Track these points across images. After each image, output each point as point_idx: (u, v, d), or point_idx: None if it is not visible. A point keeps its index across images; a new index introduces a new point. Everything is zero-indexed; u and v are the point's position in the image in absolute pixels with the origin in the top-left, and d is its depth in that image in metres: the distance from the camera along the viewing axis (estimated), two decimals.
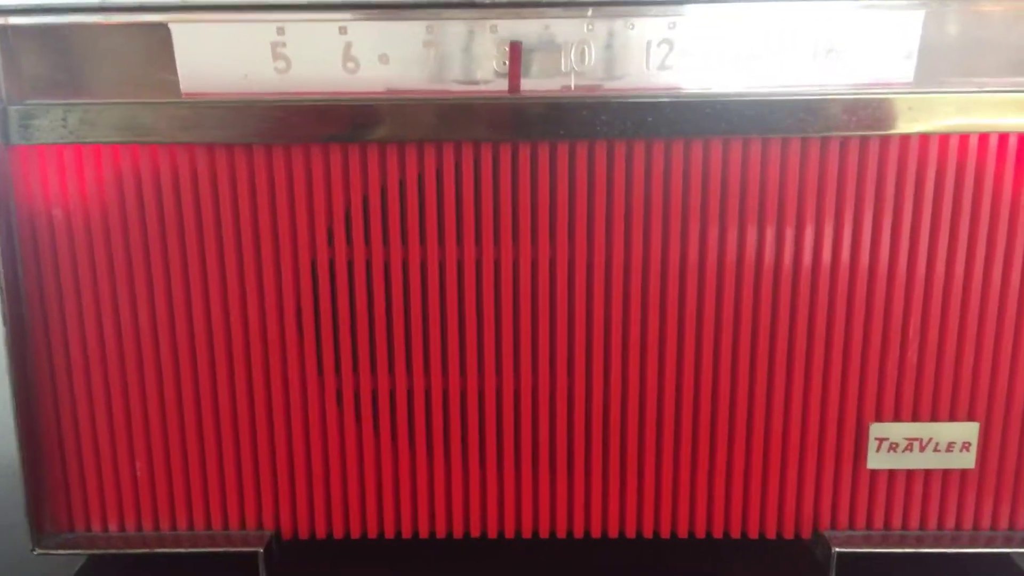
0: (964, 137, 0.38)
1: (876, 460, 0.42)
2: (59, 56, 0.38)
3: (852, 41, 0.37)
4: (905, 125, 0.37)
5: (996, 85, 0.38)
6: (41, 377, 0.41)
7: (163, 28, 0.38)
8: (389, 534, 0.44)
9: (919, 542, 0.42)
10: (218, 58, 0.38)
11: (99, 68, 0.38)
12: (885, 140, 0.38)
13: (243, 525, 0.43)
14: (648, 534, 0.44)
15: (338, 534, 0.44)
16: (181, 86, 0.38)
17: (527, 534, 0.44)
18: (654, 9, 0.37)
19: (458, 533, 0.44)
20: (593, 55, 0.38)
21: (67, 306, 0.40)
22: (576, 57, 0.38)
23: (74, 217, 0.39)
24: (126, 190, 0.39)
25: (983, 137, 0.38)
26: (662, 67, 0.38)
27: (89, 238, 0.40)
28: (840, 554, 0.41)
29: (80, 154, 0.39)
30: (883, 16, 0.37)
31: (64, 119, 0.38)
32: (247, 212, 0.39)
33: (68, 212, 0.39)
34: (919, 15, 0.37)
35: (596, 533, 0.44)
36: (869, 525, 0.43)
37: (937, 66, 0.38)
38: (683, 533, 0.44)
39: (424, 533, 0.44)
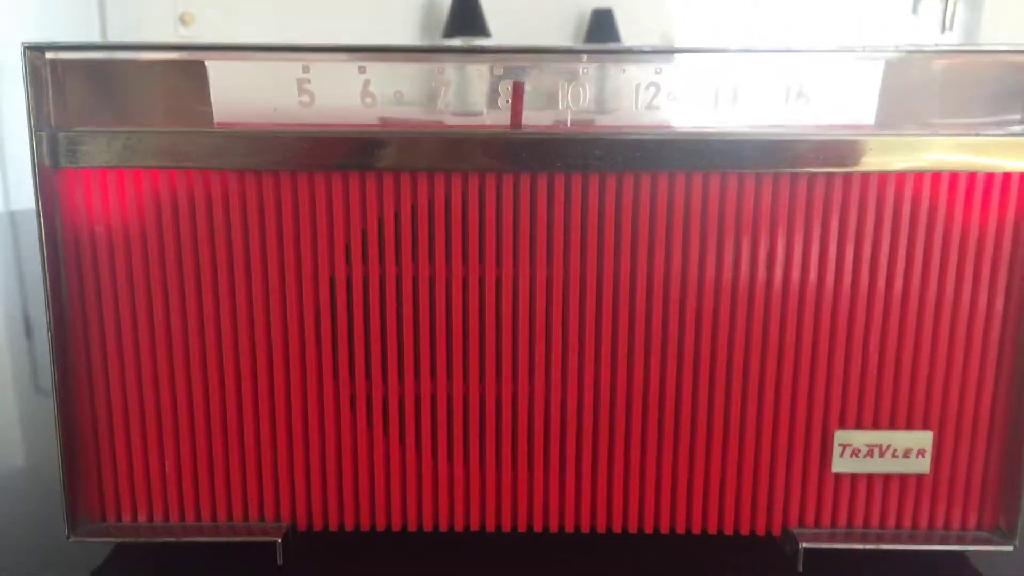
0: (919, 175, 0.42)
1: (840, 464, 0.45)
2: (105, 88, 0.42)
3: (820, 87, 0.41)
4: (867, 164, 0.41)
5: (947, 129, 0.42)
6: (80, 379, 0.44)
7: (200, 65, 0.42)
8: (396, 527, 0.47)
9: (879, 539, 0.46)
10: (249, 92, 0.42)
11: (142, 100, 0.42)
12: (848, 177, 0.42)
13: (262, 517, 0.46)
14: (633, 530, 0.47)
15: (349, 526, 0.47)
16: (215, 117, 0.42)
17: (522, 528, 0.47)
18: (643, 56, 0.41)
19: (459, 527, 0.47)
20: (587, 95, 0.42)
21: (105, 314, 0.44)
22: (572, 97, 0.42)
23: (115, 233, 0.43)
24: (163, 209, 0.42)
25: (936, 176, 0.42)
26: (650, 107, 0.42)
27: (128, 252, 0.43)
28: (807, 549, 0.44)
29: (122, 177, 0.42)
30: (848, 66, 0.41)
31: (108, 145, 0.41)
32: (273, 231, 0.43)
33: (109, 228, 0.43)
34: (879, 65, 0.41)
35: (585, 528, 0.47)
36: (834, 523, 0.46)
37: (895, 110, 0.42)
38: (665, 529, 0.47)
39: (428, 526, 0.47)
